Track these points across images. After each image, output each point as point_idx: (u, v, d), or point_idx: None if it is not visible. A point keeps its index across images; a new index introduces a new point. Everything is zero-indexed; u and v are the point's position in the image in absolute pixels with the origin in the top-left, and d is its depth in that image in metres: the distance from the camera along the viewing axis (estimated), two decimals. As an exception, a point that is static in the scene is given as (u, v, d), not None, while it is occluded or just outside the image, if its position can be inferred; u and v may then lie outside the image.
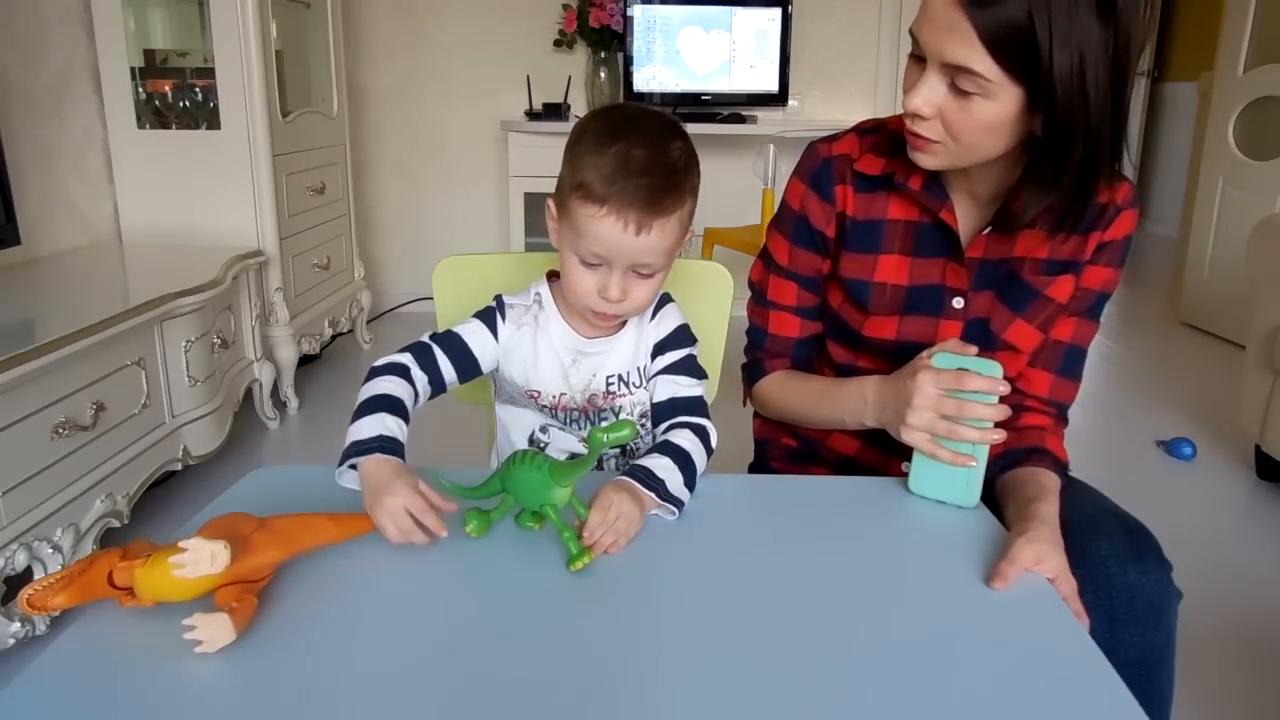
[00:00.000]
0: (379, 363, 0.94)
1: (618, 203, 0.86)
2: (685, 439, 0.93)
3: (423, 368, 0.95)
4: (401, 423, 0.89)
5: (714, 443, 0.96)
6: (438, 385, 0.97)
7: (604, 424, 0.75)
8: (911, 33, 0.88)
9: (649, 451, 0.92)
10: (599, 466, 1.01)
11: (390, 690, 0.62)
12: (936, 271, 1.02)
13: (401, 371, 0.94)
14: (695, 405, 0.98)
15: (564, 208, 0.92)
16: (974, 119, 0.87)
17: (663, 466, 0.88)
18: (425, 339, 0.98)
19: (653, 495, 0.85)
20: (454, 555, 0.80)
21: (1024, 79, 0.83)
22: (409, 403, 0.92)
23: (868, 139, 1.05)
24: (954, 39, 0.83)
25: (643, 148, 0.87)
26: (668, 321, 1.00)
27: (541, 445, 1.01)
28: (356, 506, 0.83)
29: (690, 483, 0.89)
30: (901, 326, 1.04)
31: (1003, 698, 0.63)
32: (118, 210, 2.57)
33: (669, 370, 0.99)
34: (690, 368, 1.00)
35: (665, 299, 1.02)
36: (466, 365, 0.98)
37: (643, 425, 1.02)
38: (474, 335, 0.98)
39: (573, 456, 0.95)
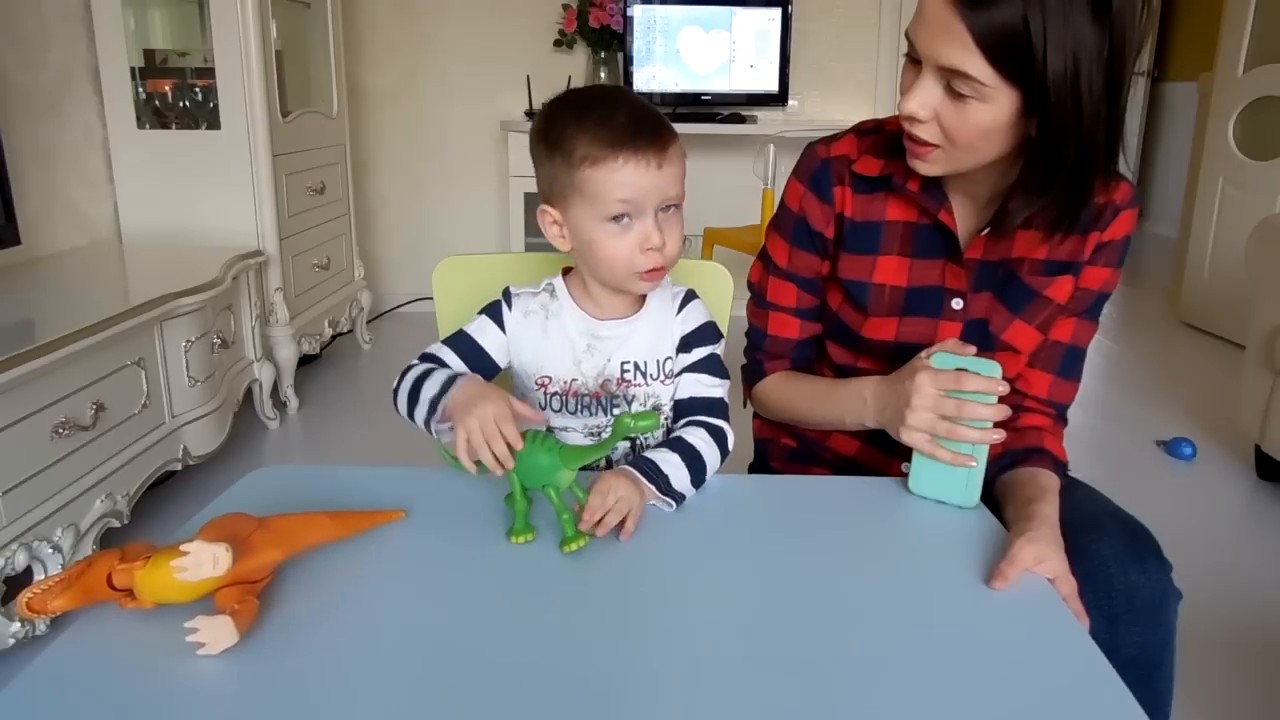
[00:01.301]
0: (399, 378, 0.94)
1: (631, 148, 0.87)
2: (698, 437, 0.92)
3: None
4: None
5: (730, 445, 0.95)
6: None
7: (633, 410, 0.75)
8: (907, 35, 0.88)
9: (658, 445, 0.92)
10: (606, 464, 1.00)
11: (393, 690, 0.62)
12: (935, 272, 1.02)
13: (415, 368, 0.93)
14: (716, 406, 0.97)
15: (568, 194, 0.91)
16: (970, 122, 0.87)
17: (669, 462, 0.88)
18: (435, 346, 0.97)
19: (653, 488, 0.85)
20: (455, 553, 0.80)
21: (1019, 82, 0.83)
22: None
23: (866, 140, 1.05)
24: (949, 42, 0.83)
25: (618, 105, 0.90)
26: (694, 316, 0.99)
27: None
28: (356, 505, 0.83)
29: (697, 481, 0.89)
30: (901, 328, 1.04)
31: (1003, 698, 0.63)
32: (118, 210, 2.57)
33: (694, 369, 0.98)
34: (714, 367, 0.99)
35: (691, 294, 1.00)
36: (482, 363, 0.97)
37: None
38: (482, 332, 0.98)
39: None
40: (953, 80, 0.85)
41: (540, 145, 0.92)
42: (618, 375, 0.96)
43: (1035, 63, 0.80)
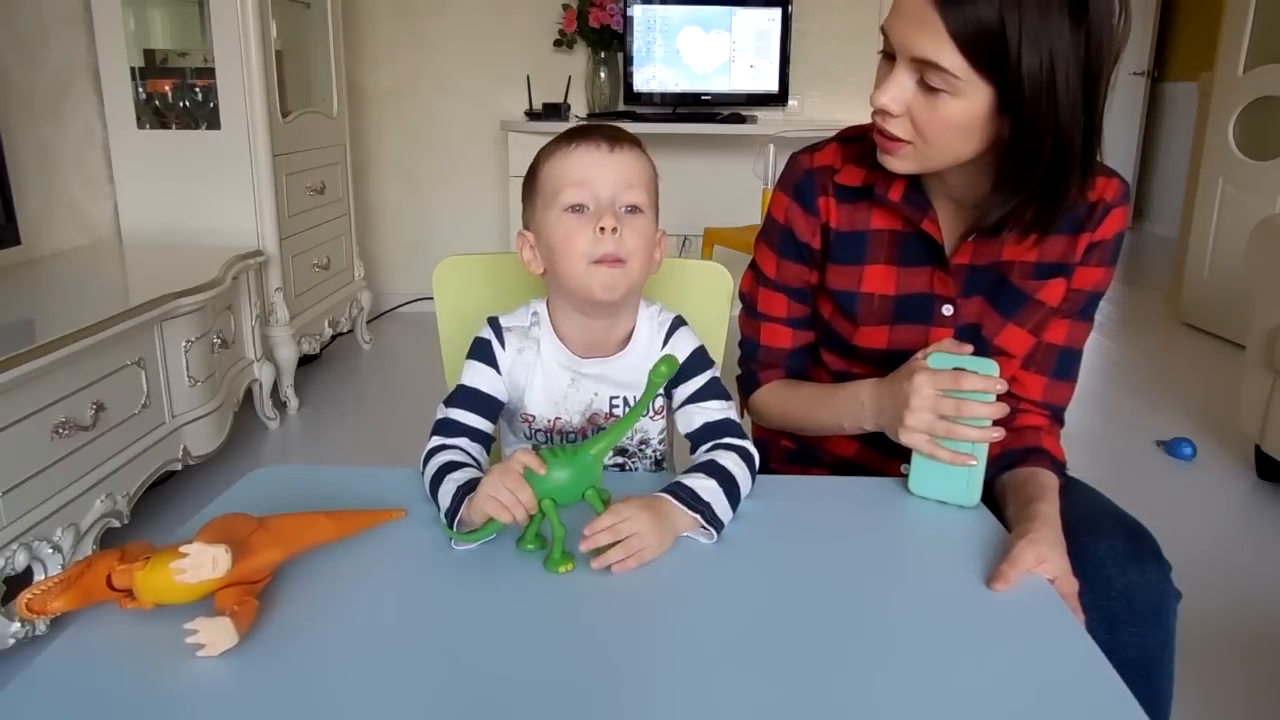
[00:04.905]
0: (423, 464, 0.89)
1: (583, 136, 0.89)
2: (730, 460, 0.88)
3: (455, 434, 0.91)
4: (471, 471, 0.86)
5: (757, 465, 0.90)
6: (480, 439, 0.92)
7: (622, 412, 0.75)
8: (883, 30, 0.88)
9: (692, 470, 0.87)
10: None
11: (393, 690, 0.62)
12: (924, 280, 1.02)
13: (439, 451, 0.89)
14: (731, 427, 0.93)
15: (535, 204, 0.92)
16: (941, 117, 0.86)
17: (708, 489, 0.83)
18: (442, 410, 0.93)
19: (697, 516, 0.81)
20: (454, 553, 0.80)
21: (993, 77, 0.83)
22: (469, 462, 0.88)
23: (850, 148, 1.04)
24: (923, 34, 0.83)
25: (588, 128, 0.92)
26: (682, 345, 0.95)
27: None
28: (356, 505, 0.83)
29: (733, 506, 0.85)
30: (892, 336, 1.03)
31: (1003, 698, 0.63)
32: (118, 210, 2.57)
33: (696, 398, 0.94)
34: (716, 391, 0.94)
35: (678, 322, 0.96)
36: (490, 408, 0.94)
37: (641, 450, 1.00)
38: (479, 377, 0.94)
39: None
40: (926, 73, 0.85)
41: (524, 184, 0.95)
42: (605, 410, 0.94)
43: (1009, 57, 0.80)
